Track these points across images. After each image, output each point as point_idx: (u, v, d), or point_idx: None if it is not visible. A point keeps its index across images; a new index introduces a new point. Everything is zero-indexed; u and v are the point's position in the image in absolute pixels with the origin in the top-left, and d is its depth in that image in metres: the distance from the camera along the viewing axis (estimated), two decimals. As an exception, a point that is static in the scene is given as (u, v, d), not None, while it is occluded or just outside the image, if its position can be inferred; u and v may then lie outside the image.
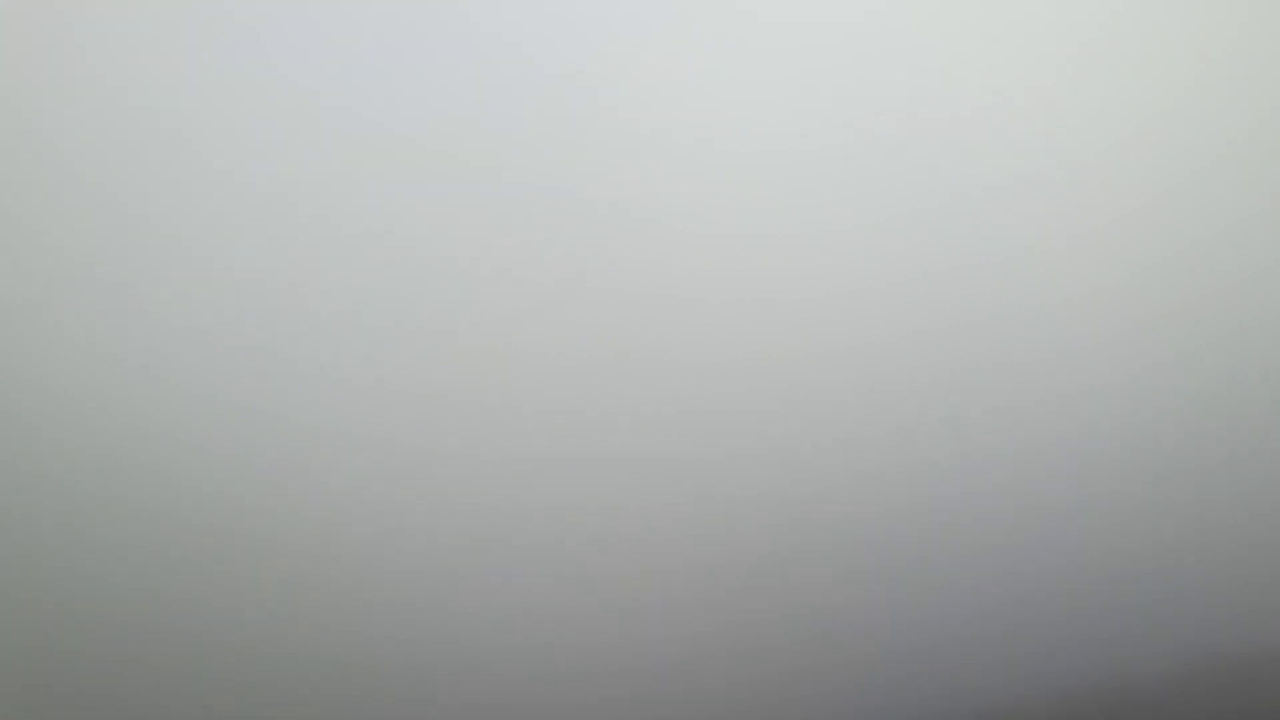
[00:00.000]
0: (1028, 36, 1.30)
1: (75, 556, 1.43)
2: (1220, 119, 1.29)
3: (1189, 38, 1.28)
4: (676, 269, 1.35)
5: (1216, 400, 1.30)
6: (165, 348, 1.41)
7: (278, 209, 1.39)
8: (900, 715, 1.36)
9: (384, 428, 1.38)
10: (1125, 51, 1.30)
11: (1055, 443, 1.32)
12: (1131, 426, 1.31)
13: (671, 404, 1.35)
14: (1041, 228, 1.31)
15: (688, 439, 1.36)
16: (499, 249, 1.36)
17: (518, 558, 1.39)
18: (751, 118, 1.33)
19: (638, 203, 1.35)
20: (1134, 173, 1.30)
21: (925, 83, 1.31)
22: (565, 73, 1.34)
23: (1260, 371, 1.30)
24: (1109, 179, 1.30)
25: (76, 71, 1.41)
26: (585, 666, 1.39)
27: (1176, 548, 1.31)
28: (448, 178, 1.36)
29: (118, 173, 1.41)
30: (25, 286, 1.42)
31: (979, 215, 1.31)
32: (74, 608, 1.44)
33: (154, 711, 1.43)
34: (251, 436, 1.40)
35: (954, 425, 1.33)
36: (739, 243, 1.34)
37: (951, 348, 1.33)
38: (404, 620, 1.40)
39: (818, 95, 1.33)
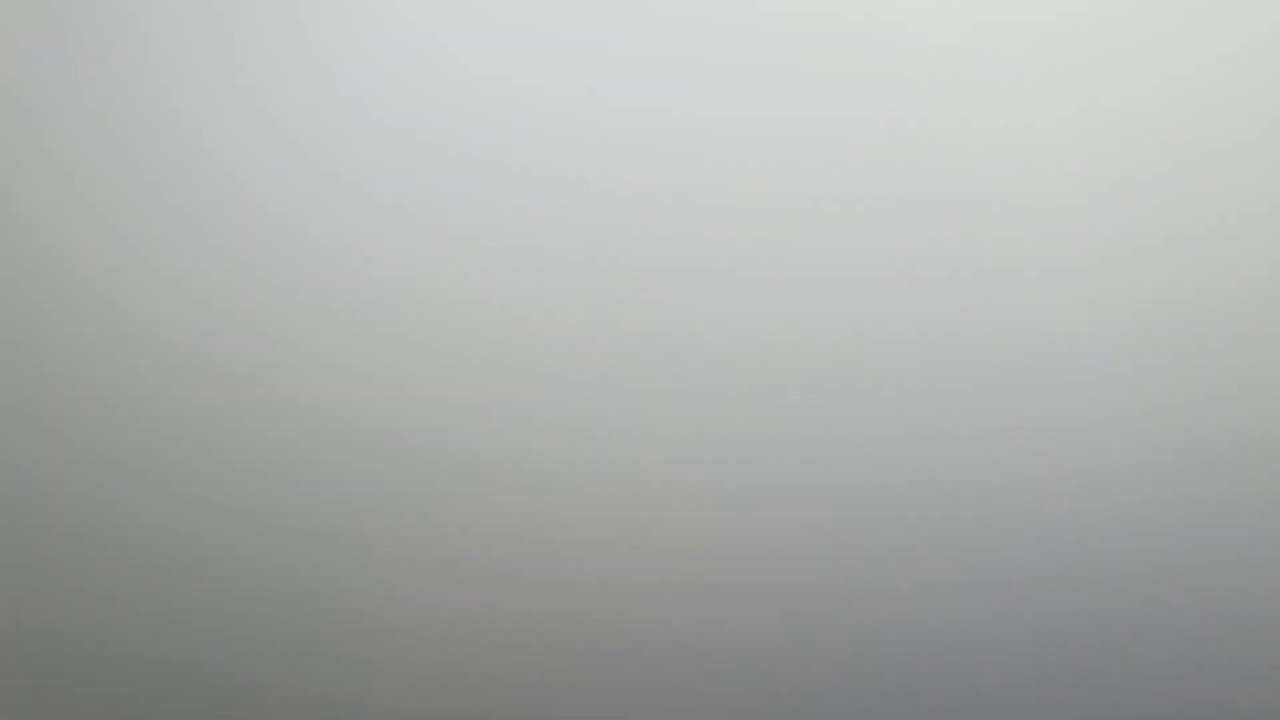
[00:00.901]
0: (1029, 36, 1.30)
1: (74, 556, 1.44)
2: (1222, 119, 1.28)
3: (1192, 37, 1.28)
4: (679, 266, 1.35)
5: (1218, 400, 1.30)
6: (166, 345, 1.41)
7: (283, 207, 1.39)
8: None
9: (392, 426, 1.39)
10: (1126, 50, 1.29)
11: (1058, 443, 1.32)
12: (1134, 426, 1.31)
13: (675, 402, 1.35)
14: (1041, 228, 1.31)
15: (691, 437, 1.36)
16: (505, 246, 1.36)
17: (518, 559, 1.39)
18: (754, 117, 1.33)
19: (644, 200, 1.35)
20: (1134, 173, 1.30)
21: (926, 83, 1.31)
22: (570, 72, 1.35)
23: (1263, 371, 1.30)
24: (1109, 179, 1.30)
25: (79, 66, 1.42)
26: (584, 668, 1.39)
27: (1177, 549, 1.31)
28: (455, 176, 1.37)
29: (121, 169, 1.41)
30: (26, 283, 1.42)
31: (979, 215, 1.31)
32: (72, 609, 1.44)
33: (147, 710, 1.43)
34: (256, 435, 1.40)
35: (956, 426, 1.33)
36: (742, 242, 1.34)
37: (952, 347, 1.33)
38: (402, 621, 1.40)
39: (820, 95, 1.33)
